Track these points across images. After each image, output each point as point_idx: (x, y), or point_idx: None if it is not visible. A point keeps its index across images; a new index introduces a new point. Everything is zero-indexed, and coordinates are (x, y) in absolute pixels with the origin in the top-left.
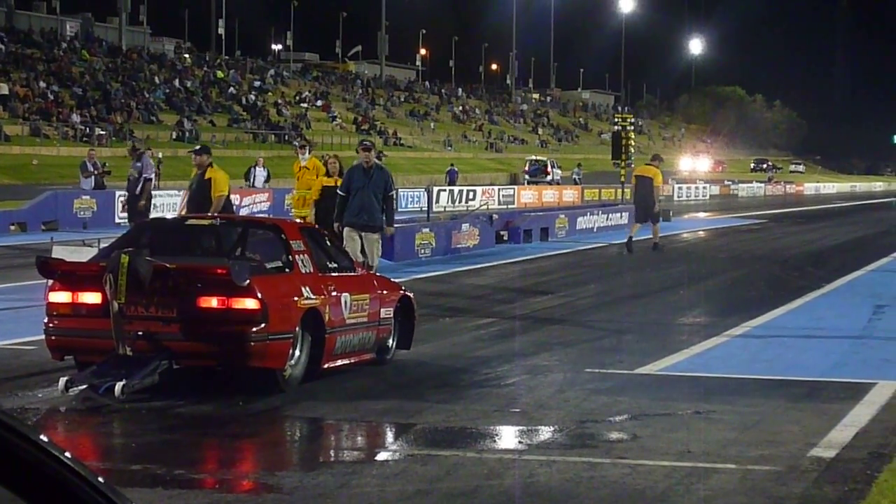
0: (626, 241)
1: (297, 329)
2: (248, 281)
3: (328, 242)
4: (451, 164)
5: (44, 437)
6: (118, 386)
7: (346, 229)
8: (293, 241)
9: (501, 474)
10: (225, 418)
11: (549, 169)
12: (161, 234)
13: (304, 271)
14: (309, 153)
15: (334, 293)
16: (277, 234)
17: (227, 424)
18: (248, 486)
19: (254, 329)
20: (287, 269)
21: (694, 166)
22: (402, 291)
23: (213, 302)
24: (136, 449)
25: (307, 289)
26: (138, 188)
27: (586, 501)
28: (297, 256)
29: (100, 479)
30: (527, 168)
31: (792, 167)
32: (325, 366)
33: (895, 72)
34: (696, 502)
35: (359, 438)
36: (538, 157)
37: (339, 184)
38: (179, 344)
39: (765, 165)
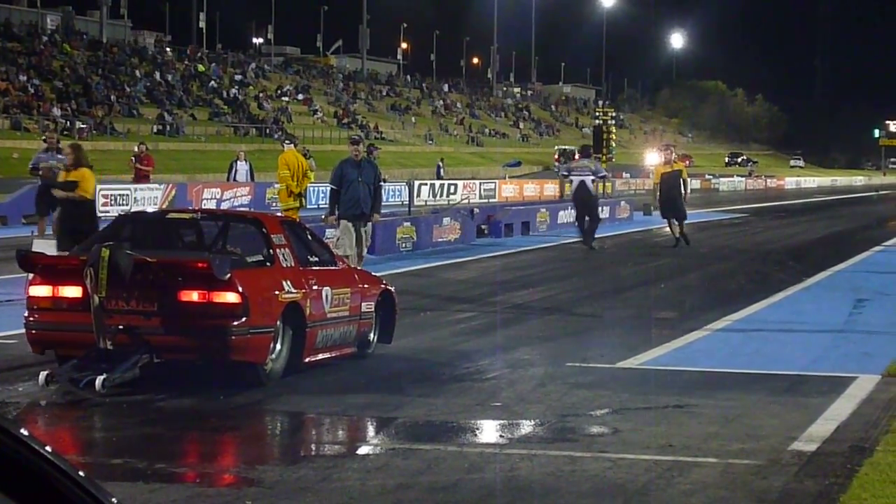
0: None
1: (277, 323)
2: (228, 275)
3: (309, 236)
4: (441, 159)
5: (24, 432)
6: (98, 380)
7: (343, 222)
8: (274, 234)
9: (482, 468)
10: (206, 412)
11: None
12: (142, 227)
13: (285, 265)
14: (285, 146)
15: (315, 287)
16: (258, 227)
17: (208, 418)
18: (230, 480)
19: (234, 323)
20: (268, 263)
21: (661, 160)
22: (383, 285)
23: (194, 296)
24: (117, 443)
25: (288, 283)
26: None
27: (567, 495)
28: (278, 250)
29: (80, 473)
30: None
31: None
32: (307, 360)
33: (876, 66)
34: (677, 496)
35: (340, 432)
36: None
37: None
38: (160, 338)
39: (739, 159)
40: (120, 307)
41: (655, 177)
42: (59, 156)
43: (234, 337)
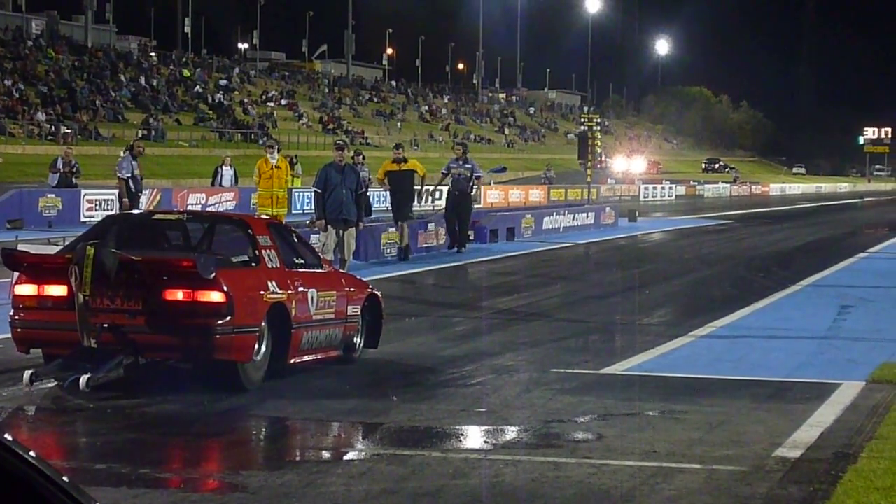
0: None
1: (262, 323)
2: (213, 274)
3: (296, 239)
4: None
5: (8, 437)
6: (83, 379)
7: (327, 226)
8: (260, 236)
9: (467, 474)
10: (190, 417)
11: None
12: (128, 228)
13: (270, 266)
14: (278, 153)
15: (301, 289)
16: (244, 229)
17: (192, 423)
18: (214, 486)
19: (219, 322)
20: (253, 264)
21: (628, 167)
22: (369, 290)
23: (179, 295)
24: (101, 448)
25: (273, 283)
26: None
27: (552, 501)
28: (263, 251)
29: (64, 478)
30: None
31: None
32: (292, 361)
33: (861, 73)
34: (661, 502)
35: (324, 438)
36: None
37: None
38: (145, 336)
39: (716, 165)
40: (105, 306)
41: (379, 173)
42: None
43: (218, 336)
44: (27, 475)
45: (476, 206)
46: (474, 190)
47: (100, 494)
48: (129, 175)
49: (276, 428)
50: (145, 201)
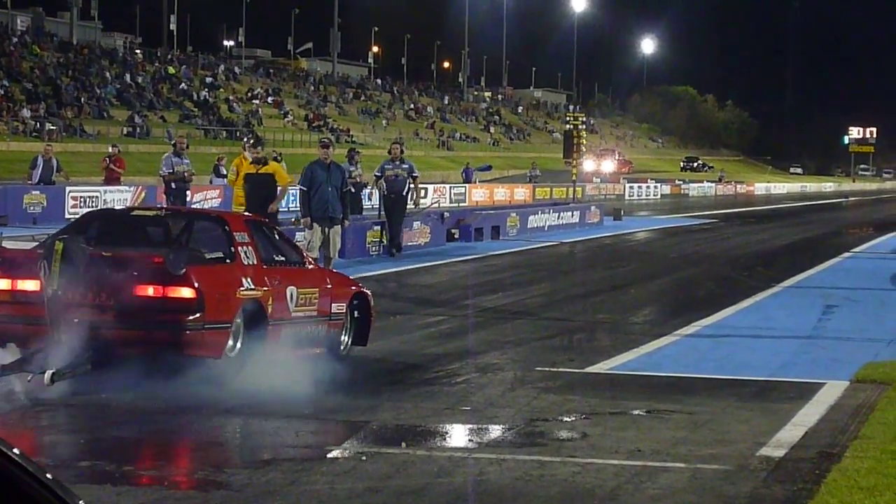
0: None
1: (237, 319)
2: (183, 270)
3: (277, 236)
4: (468, 163)
5: None
6: (47, 374)
7: (313, 223)
8: (237, 232)
9: (451, 472)
10: (173, 415)
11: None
12: (107, 224)
13: (246, 263)
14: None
15: (279, 285)
16: (221, 225)
17: (175, 421)
18: (197, 483)
19: (190, 318)
20: (228, 260)
21: (599, 167)
22: (356, 288)
23: (149, 290)
24: (85, 445)
25: (248, 280)
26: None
27: (536, 500)
28: (239, 248)
29: (48, 475)
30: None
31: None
32: (270, 357)
33: (846, 73)
34: (645, 501)
35: (309, 435)
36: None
37: None
38: (115, 332)
39: (695, 164)
40: (75, 300)
41: (238, 178)
42: (186, 160)
43: (188, 332)
44: (11, 472)
45: (462, 204)
46: (410, 189)
47: (84, 492)
48: (170, 171)
49: (259, 425)
50: (130, 198)
